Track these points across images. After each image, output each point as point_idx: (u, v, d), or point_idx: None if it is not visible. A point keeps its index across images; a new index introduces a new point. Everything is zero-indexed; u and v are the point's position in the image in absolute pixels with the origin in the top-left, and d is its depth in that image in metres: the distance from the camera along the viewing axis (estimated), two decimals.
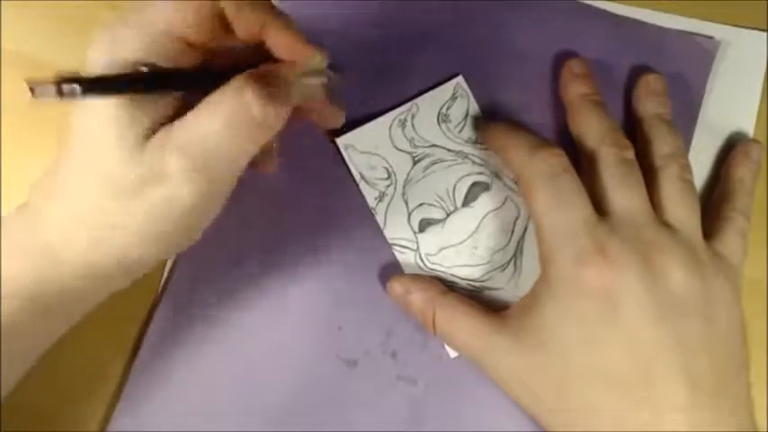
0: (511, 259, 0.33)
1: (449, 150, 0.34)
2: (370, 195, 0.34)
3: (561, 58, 0.34)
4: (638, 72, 0.34)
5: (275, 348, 0.33)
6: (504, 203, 0.34)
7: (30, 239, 0.26)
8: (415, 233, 0.34)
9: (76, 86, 0.21)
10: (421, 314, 0.31)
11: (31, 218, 0.26)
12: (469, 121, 0.34)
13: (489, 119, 0.34)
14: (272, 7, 0.26)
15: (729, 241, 0.31)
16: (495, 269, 0.33)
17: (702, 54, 0.35)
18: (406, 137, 0.34)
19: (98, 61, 0.24)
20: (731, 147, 0.34)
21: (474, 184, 0.34)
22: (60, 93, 0.20)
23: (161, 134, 0.24)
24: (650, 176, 0.31)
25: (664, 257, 0.28)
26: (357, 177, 0.34)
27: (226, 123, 0.24)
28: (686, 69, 0.34)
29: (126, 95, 0.23)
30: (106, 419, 0.34)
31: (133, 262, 0.26)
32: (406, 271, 0.33)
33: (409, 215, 0.34)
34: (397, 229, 0.34)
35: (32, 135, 0.36)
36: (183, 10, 0.24)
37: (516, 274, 0.33)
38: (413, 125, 0.34)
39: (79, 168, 0.25)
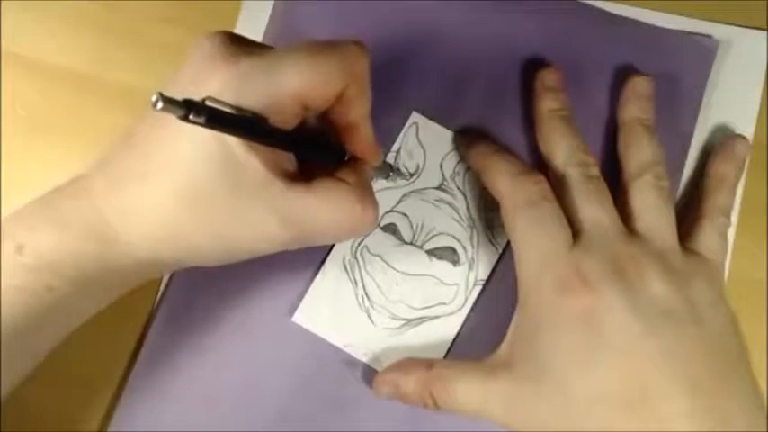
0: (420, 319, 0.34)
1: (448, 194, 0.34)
2: (382, 171, 0.33)
3: (559, 59, 0.34)
4: (636, 72, 0.34)
5: (276, 348, 0.33)
6: (456, 284, 0.34)
7: (93, 223, 0.26)
8: (378, 225, 0.34)
9: (202, 119, 0.21)
10: (419, 399, 0.30)
11: (95, 201, 0.26)
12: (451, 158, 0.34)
13: (485, 123, 0.34)
14: (369, 108, 0.28)
15: (706, 240, 0.31)
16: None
17: (702, 54, 0.34)
18: (455, 159, 0.34)
19: (220, 96, 0.24)
20: None
21: (449, 248, 0.34)
22: (185, 118, 0.21)
23: (273, 193, 0.25)
24: (625, 185, 0.31)
25: (637, 269, 0.28)
26: (395, 147, 0.34)
27: (342, 222, 0.27)
28: (686, 69, 0.34)
29: (236, 136, 0.24)
30: (106, 419, 0.34)
31: (182, 263, 0.28)
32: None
33: (388, 211, 0.34)
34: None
35: (32, 135, 0.36)
36: (321, 84, 0.25)
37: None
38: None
39: (170, 177, 0.25)
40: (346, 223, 0.27)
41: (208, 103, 0.22)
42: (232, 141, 0.24)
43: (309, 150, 0.28)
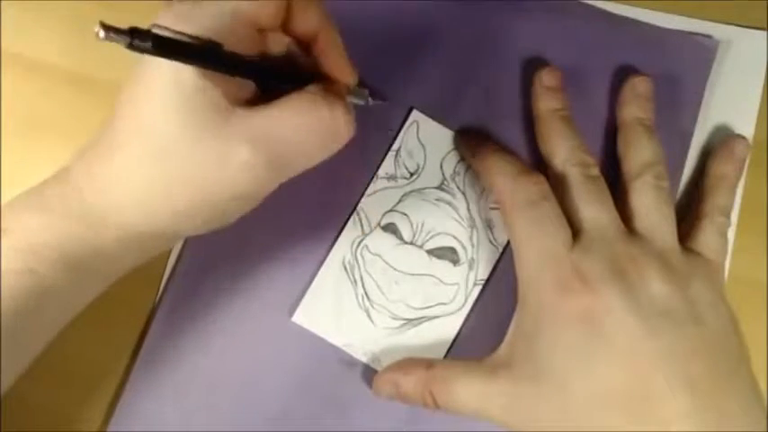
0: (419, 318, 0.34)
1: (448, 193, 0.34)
2: (383, 169, 0.34)
3: (560, 58, 0.34)
4: (636, 72, 0.34)
5: (276, 349, 0.33)
6: (456, 284, 0.34)
7: (74, 204, 0.26)
8: (378, 225, 0.34)
9: (148, 44, 0.21)
10: (420, 399, 0.30)
11: (75, 183, 0.26)
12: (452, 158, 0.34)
13: (485, 122, 0.34)
14: (329, 18, 0.27)
15: (706, 240, 0.31)
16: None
17: (702, 54, 0.34)
18: (456, 159, 0.34)
19: (165, 31, 0.23)
20: None
21: (449, 248, 0.34)
22: (131, 45, 0.20)
23: (235, 120, 0.24)
24: (625, 184, 0.31)
25: (637, 269, 0.28)
26: (395, 146, 0.34)
27: (311, 130, 0.25)
28: (686, 69, 0.34)
29: (192, 64, 0.23)
30: (106, 419, 0.34)
31: (173, 233, 0.27)
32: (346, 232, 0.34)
33: (388, 211, 0.34)
34: (373, 208, 0.34)
35: (32, 135, 0.36)
36: None
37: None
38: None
39: (135, 140, 0.25)
40: (317, 133, 0.26)
41: (155, 30, 0.22)
42: (187, 80, 0.24)
43: (274, 77, 0.27)
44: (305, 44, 0.28)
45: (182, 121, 0.24)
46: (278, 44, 0.27)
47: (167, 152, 0.24)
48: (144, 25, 0.36)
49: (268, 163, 0.25)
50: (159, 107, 0.24)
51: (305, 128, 0.25)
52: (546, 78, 0.33)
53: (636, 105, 0.33)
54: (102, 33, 0.19)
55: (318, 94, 0.26)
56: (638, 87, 0.33)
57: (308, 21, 0.27)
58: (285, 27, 0.27)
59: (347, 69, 0.28)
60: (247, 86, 0.26)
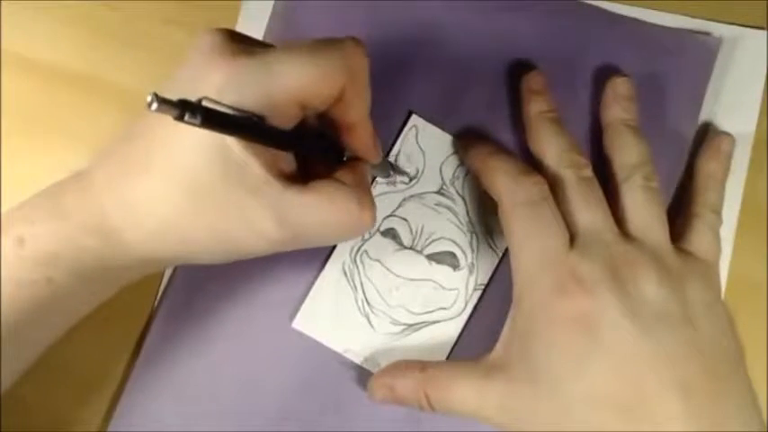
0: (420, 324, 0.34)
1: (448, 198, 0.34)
2: (382, 169, 0.34)
3: (560, 59, 0.34)
4: (638, 72, 0.34)
5: (276, 348, 0.33)
6: (456, 289, 0.34)
7: (93, 217, 0.26)
8: (378, 230, 0.34)
9: (198, 119, 0.21)
10: (415, 402, 0.30)
11: (97, 196, 0.26)
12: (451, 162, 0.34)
13: (485, 124, 0.34)
14: (368, 104, 0.28)
15: (699, 240, 0.31)
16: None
17: (704, 52, 0.34)
18: (455, 163, 0.34)
19: (219, 95, 0.24)
20: None
21: (449, 253, 0.34)
22: (180, 118, 0.21)
23: (270, 193, 0.25)
24: (615, 187, 0.31)
25: (632, 271, 0.28)
26: (394, 151, 0.34)
27: (339, 224, 0.27)
28: (688, 68, 0.34)
29: (233, 136, 0.24)
30: (106, 419, 0.34)
31: (180, 259, 0.28)
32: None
33: (388, 216, 0.34)
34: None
35: (32, 135, 0.36)
36: (320, 83, 0.25)
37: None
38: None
39: (169, 170, 0.25)
40: (344, 225, 0.27)
41: (204, 103, 0.22)
42: (231, 141, 0.24)
43: (308, 149, 0.28)
44: (335, 122, 0.28)
45: (225, 182, 0.25)
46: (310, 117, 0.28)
47: (203, 198, 0.25)
48: (146, 31, 0.36)
49: (288, 239, 0.26)
50: (205, 159, 0.25)
51: (334, 221, 0.27)
52: (532, 82, 0.33)
53: (619, 107, 0.32)
54: (154, 105, 0.19)
55: (352, 188, 0.27)
56: (619, 88, 0.33)
57: (353, 111, 0.27)
58: (327, 110, 0.27)
59: (374, 151, 0.29)
60: (286, 156, 0.27)
